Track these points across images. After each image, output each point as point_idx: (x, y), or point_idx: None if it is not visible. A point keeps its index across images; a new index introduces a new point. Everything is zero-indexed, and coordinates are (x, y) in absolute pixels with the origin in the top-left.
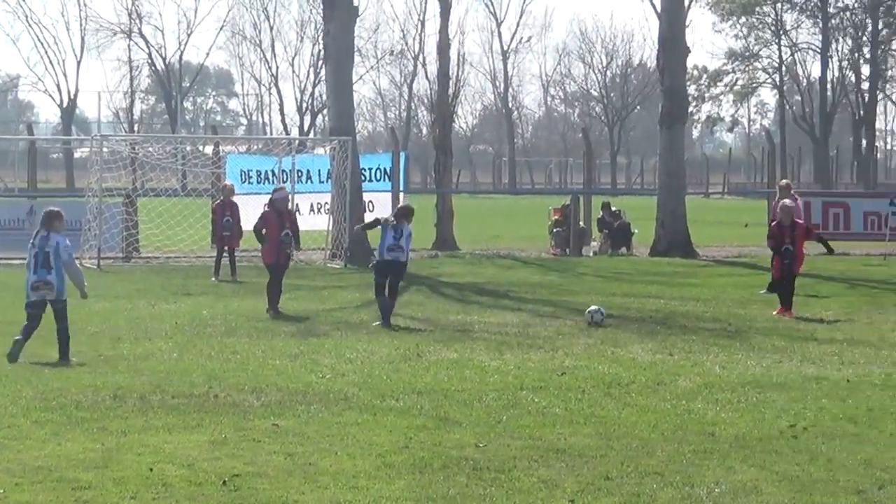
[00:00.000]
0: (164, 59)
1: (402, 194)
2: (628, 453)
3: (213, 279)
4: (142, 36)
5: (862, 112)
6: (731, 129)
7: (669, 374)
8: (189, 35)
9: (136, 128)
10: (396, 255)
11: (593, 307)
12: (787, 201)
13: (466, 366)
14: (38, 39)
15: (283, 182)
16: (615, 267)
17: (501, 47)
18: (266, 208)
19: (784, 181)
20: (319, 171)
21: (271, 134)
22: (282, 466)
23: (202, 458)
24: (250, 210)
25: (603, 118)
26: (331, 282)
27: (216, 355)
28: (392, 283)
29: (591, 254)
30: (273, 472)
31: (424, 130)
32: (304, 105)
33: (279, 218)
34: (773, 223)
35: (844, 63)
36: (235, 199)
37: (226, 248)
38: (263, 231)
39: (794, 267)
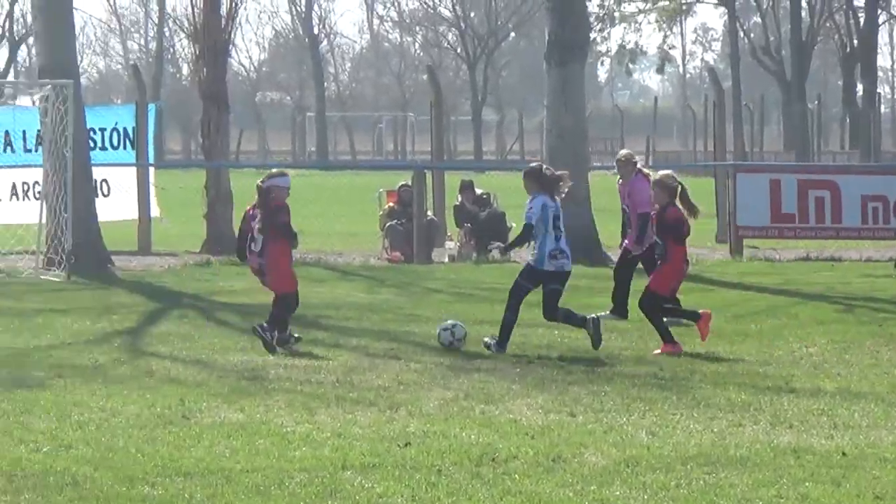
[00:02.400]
0: None
1: (151, 169)
2: None
3: None
4: None
5: (855, 42)
6: (661, 69)
7: (571, 444)
8: None
9: None
10: (562, 264)
11: (448, 322)
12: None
13: (258, 433)
14: None
15: None
16: (483, 279)
17: None
18: None
19: (624, 152)
20: (24, 132)
21: None
22: None
23: None
24: None
25: (459, 51)
26: (47, 303)
27: None
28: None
29: (447, 259)
30: None
31: (185, 69)
32: None
33: None
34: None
35: None
36: None
37: None
38: None
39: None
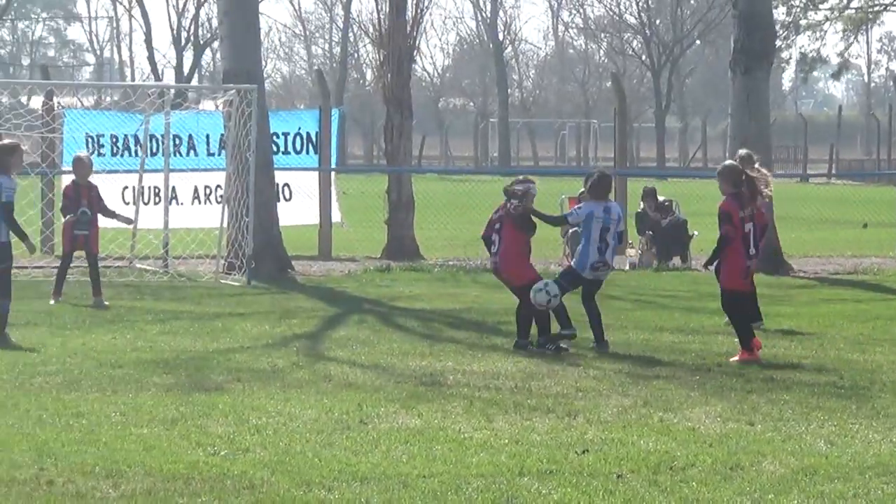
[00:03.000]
0: None
1: (333, 174)
2: None
3: (52, 301)
4: None
5: None
6: (838, 76)
7: (749, 453)
8: None
9: None
10: (599, 276)
11: (541, 283)
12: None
13: (436, 438)
14: None
15: (154, 154)
16: (664, 287)
17: None
18: None
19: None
20: (208, 136)
21: (133, 79)
22: None
23: None
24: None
25: (644, 58)
26: (226, 307)
27: (50, 419)
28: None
29: (628, 266)
30: None
31: (369, 75)
32: (184, 35)
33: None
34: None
35: None
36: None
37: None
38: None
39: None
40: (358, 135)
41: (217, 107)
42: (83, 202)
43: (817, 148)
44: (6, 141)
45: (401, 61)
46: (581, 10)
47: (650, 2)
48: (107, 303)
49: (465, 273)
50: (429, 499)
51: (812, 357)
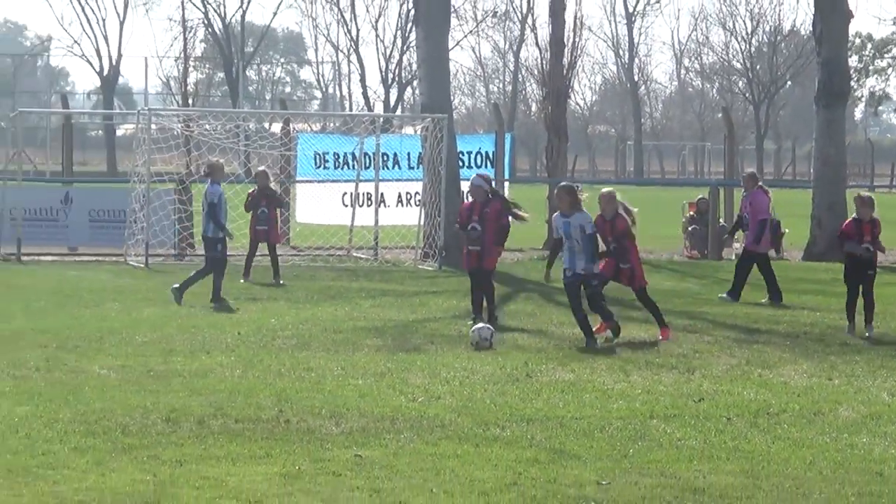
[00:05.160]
0: (223, 20)
1: (506, 183)
2: (780, 495)
3: (243, 279)
4: None
5: None
6: None
7: (828, 401)
8: None
9: (190, 101)
10: (570, 281)
11: (479, 325)
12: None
13: (585, 389)
14: None
15: (367, 167)
16: (757, 273)
17: (626, 9)
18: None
19: (750, 170)
20: (409, 154)
21: (351, 110)
22: None
23: (272, 494)
24: (324, 200)
25: (747, 95)
26: (423, 287)
27: (287, 372)
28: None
29: (734, 256)
30: None
31: (534, 107)
32: (390, 76)
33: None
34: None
35: None
36: (307, 186)
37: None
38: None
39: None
40: (524, 154)
41: (416, 131)
42: (262, 203)
43: (882, 166)
44: (215, 160)
45: (559, 97)
46: (699, 58)
47: (752, 51)
48: (282, 282)
49: None
50: (579, 435)
51: (879, 327)
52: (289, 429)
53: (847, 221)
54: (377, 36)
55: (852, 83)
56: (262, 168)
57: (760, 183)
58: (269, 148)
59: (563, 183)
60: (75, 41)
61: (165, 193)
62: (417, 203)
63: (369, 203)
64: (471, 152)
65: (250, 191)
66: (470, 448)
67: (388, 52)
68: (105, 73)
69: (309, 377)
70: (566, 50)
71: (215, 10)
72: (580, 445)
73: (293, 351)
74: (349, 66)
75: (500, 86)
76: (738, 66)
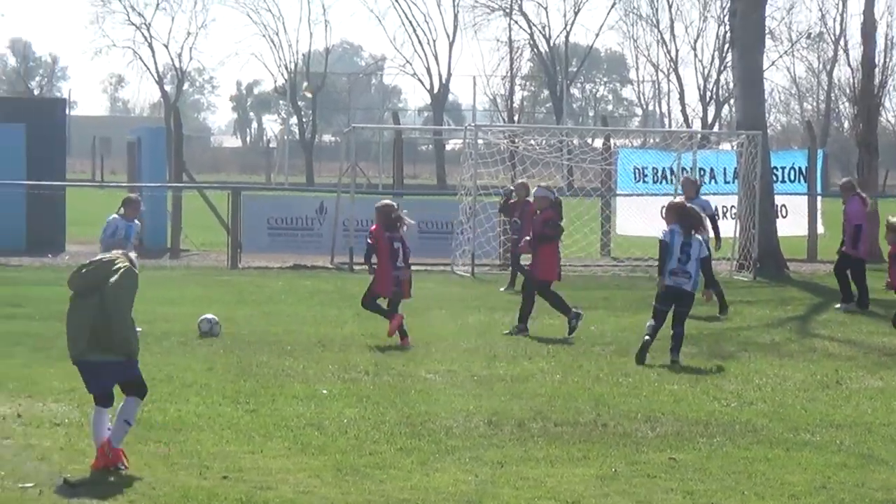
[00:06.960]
0: (548, 41)
1: (818, 198)
2: None
3: (502, 289)
4: (523, 14)
5: None
6: None
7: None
8: (576, 13)
9: (515, 117)
10: (679, 282)
11: (208, 315)
12: None
13: (894, 396)
14: (406, 17)
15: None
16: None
17: None
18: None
19: (845, 179)
20: (724, 169)
21: (669, 126)
22: None
23: (588, 495)
24: (643, 213)
25: None
26: (737, 296)
27: (605, 378)
28: (677, 313)
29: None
30: None
31: (846, 125)
32: (708, 94)
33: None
34: None
35: None
36: (627, 199)
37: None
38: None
39: None
40: (837, 169)
41: (731, 147)
42: (515, 215)
43: None
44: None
45: (870, 114)
46: None
47: None
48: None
49: None
50: (887, 441)
51: None
52: (606, 432)
53: None
54: (695, 56)
55: None
56: (521, 180)
57: (858, 191)
58: (591, 162)
59: None
60: (407, 61)
61: (491, 206)
62: (733, 216)
63: None
64: (784, 168)
65: (511, 201)
66: (780, 452)
67: (706, 71)
68: (435, 90)
69: (626, 382)
70: (877, 69)
71: (540, 32)
72: (888, 451)
73: (611, 357)
74: (668, 84)
75: (814, 104)
76: None
